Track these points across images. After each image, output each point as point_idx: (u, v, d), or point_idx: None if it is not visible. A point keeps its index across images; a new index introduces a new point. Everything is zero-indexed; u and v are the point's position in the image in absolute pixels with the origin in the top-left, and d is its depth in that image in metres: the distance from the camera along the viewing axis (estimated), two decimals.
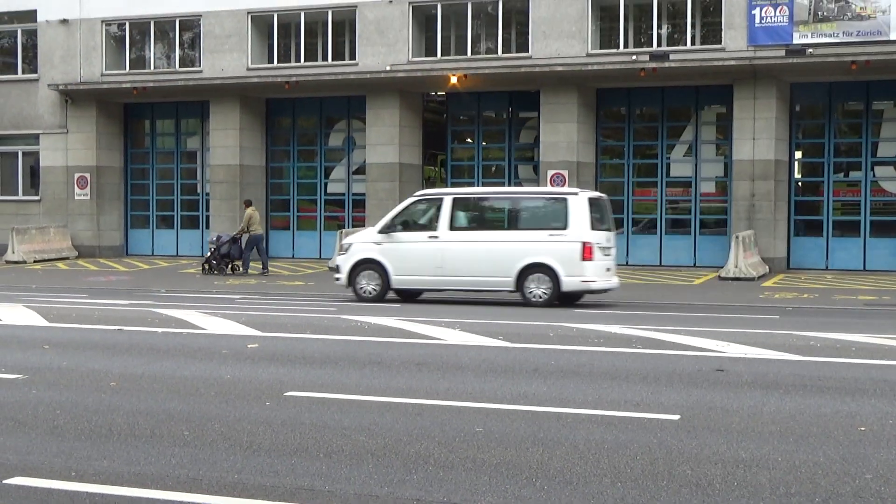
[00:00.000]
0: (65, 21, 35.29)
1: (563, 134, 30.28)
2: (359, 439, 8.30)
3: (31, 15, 35.93)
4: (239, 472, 7.35)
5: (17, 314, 17.54)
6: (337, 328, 15.67)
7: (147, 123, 36.82)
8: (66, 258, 34.39)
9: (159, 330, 15.37)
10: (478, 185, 32.48)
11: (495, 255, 20.39)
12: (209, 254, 29.02)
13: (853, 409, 9.54)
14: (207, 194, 34.77)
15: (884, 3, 27.62)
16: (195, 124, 36.06)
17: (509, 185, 32.35)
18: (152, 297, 22.25)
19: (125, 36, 35.34)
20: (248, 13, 33.51)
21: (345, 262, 21.40)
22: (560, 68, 29.55)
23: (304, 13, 33.22)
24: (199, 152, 35.92)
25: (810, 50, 27.85)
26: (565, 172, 30.18)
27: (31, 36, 36.27)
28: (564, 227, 20.09)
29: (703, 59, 28.72)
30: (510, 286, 20.35)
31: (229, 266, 28.64)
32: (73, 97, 35.09)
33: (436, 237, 20.81)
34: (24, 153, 36.38)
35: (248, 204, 29.80)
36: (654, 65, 28.56)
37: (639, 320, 17.36)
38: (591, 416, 9.23)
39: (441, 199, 21.07)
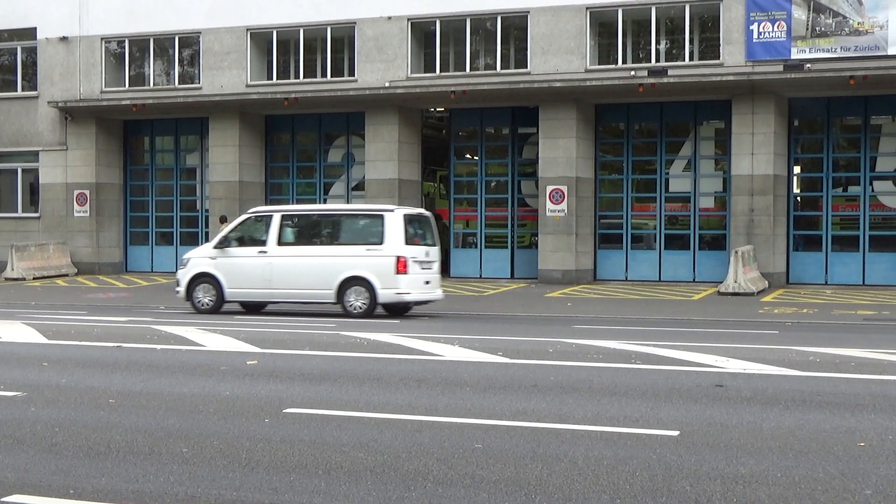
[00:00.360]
0: (64, 38, 35.37)
1: (561, 149, 30.32)
2: (358, 456, 8.29)
3: (30, 32, 36.02)
4: (237, 490, 7.33)
5: (16, 331, 17.53)
6: (336, 345, 15.65)
7: (146, 140, 36.87)
8: (66, 275, 34.39)
9: (158, 347, 15.36)
10: (480, 201, 32.56)
11: (318, 268, 21.60)
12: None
13: (853, 424, 9.52)
14: (207, 211, 34.79)
15: (881, 18, 27.69)
16: (194, 141, 36.11)
17: (512, 200, 32.40)
18: (151, 314, 22.23)
19: (125, 53, 35.42)
20: (248, 30, 33.59)
21: (183, 276, 22.68)
22: (559, 84, 29.60)
23: (303, 30, 33.30)
24: (198, 169, 35.96)
25: (808, 65, 27.90)
26: (564, 188, 30.21)
27: (31, 53, 36.36)
28: (381, 243, 21.38)
29: (702, 75, 28.78)
30: (332, 298, 21.55)
31: None
32: (72, 114, 35.14)
33: (265, 252, 22.00)
34: (23, 170, 36.41)
35: (223, 220, 30.16)
36: (652, 80, 28.61)
37: (638, 336, 17.35)
38: (591, 432, 9.22)
39: (271, 216, 22.35)
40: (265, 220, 22.36)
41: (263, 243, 22.07)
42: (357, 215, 23.00)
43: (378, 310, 21.71)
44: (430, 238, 22.39)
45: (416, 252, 21.59)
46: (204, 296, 22.31)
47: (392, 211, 21.88)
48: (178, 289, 22.82)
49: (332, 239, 22.39)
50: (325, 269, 21.52)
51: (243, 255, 22.18)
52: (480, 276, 32.33)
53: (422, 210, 24.19)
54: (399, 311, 22.17)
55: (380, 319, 20.86)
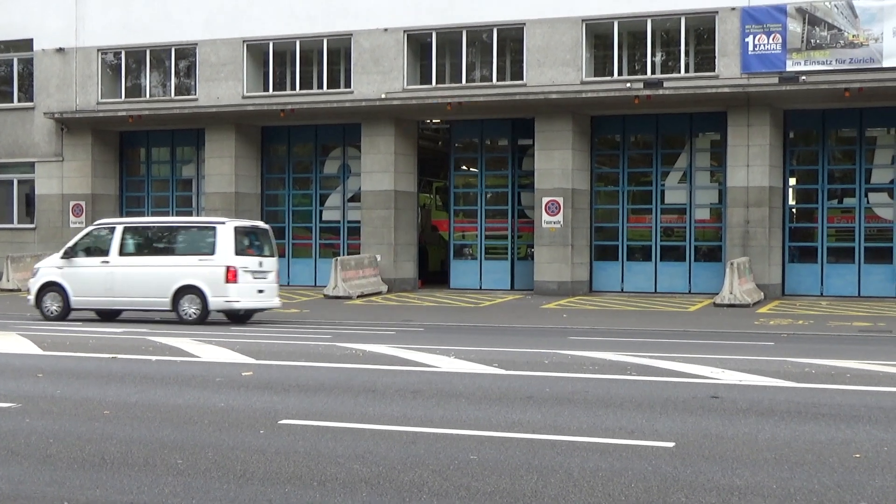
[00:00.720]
0: (61, 50, 35.40)
1: (557, 161, 30.35)
2: (353, 467, 8.27)
3: (27, 44, 36.05)
4: (232, 501, 7.31)
5: (12, 342, 17.49)
6: (331, 356, 15.63)
7: (142, 151, 36.89)
8: None
9: (153, 358, 15.33)
10: (480, 213, 32.55)
11: (155, 278, 22.73)
12: None
13: (848, 435, 9.51)
14: None
15: (876, 31, 27.77)
16: (190, 152, 36.12)
17: (512, 212, 32.42)
18: (147, 325, 22.20)
19: (121, 64, 35.44)
20: (244, 42, 33.63)
21: (33, 285, 23.73)
22: (555, 96, 29.65)
23: (300, 41, 33.35)
24: (194, 180, 35.96)
25: (804, 77, 27.97)
26: (560, 199, 30.24)
27: (28, 64, 36.38)
28: (212, 253, 22.54)
29: (697, 87, 28.83)
30: (167, 306, 22.73)
31: None
32: (68, 125, 35.16)
33: (107, 262, 23.12)
34: (19, 181, 36.41)
35: None
36: (648, 92, 28.66)
37: (633, 347, 17.34)
38: (586, 443, 9.20)
39: (114, 228, 23.50)
40: (109, 231, 23.44)
41: (106, 254, 23.17)
42: (191, 227, 24.22)
43: (220, 317, 23.30)
44: (268, 250, 23.65)
45: (248, 262, 22.77)
46: (51, 304, 23.37)
47: (223, 223, 23.12)
48: (28, 297, 23.93)
49: (169, 250, 23.46)
50: (161, 278, 22.64)
51: (88, 265, 23.30)
52: (480, 288, 32.31)
53: (258, 223, 25.58)
54: (240, 318, 23.45)
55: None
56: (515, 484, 7.76)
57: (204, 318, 22.49)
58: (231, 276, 22.30)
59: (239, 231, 22.97)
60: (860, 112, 29.36)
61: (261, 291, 23.02)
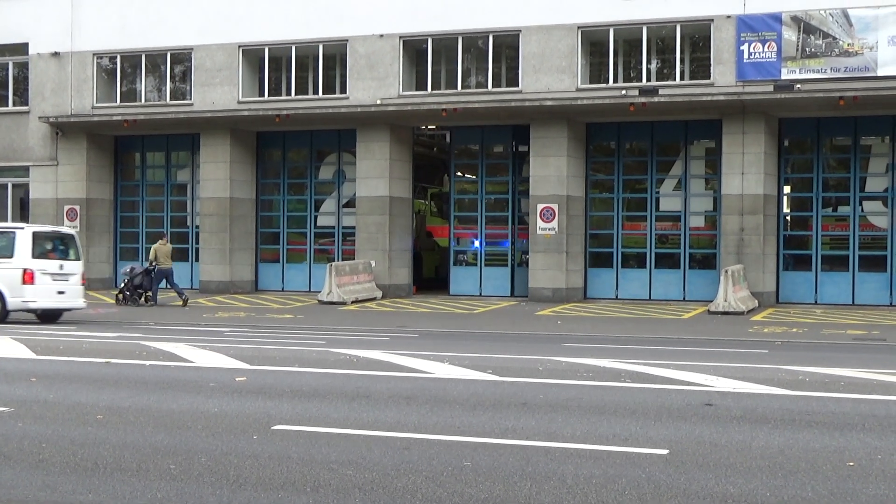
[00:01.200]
0: (56, 54, 35.38)
1: (552, 168, 30.38)
2: (346, 473, 8.26)
3: (22, 48, 36.02)
4: None
5: (5, 347, 17.46)
6: (325, 361, 15.62)
7: (137, 156, 36.85)
8: None
9: (147, 363, 15.31)
10: (480, 219, 32.47)
11: None
12: (122, 284, 30.27)
13: (842, 444, 9.52)
14: (197, 227, 34.75)
15: (871, 39, 27.82)
16: (185, 157, 36.09)
17: (512, 218, 32.40)
18: (141, 330, 22.18)
19: (116, 69, 35.41)
20: (240, 47, 33.63)
21: None
22: (550, 103, 29.68)
23: (296, 47, 33.35)
24: (189, 185, 35.94)
25: (798, 85, 28.01)
26: (555, 206, 30.26)
27: (23, 68, 36.35)
28: (11, 256, 23.79)
29: (693, 94, 28.86)
30: None
31: (142, 297, 30.09)
32: (63, 129, 35.12)
33: None
34: (13, 185, 36.35)
35: (158, 238, 31.18)
36: (643, 99, 28.69)
37: (628, 354, 17.34)
38: (580, 450, 9.20)
39: None
40: None
41: None
42: None
43: (29, 316, 24.70)
44: (73, 254, 24.91)
45: (47, 265, 24.10)
46: None
47: (22, 228, 24.49)
48: None
49: None
50: None
51: None
52: (480, 294, 32.26)
53: (63, 228, 27.22)
54: (49, 318, 24.86)
55: (376, 337, 20.86)
56: (509, 491, 7.75)
57: (3, 317, 23.64)
58: (28, 278, 23.66)
59: (39, 236, 24.45)
60: (855, 120, 29.42)
61: (61, 293, 24.28)
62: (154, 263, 29.98)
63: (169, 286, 30.40)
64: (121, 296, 29.94)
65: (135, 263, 32.16)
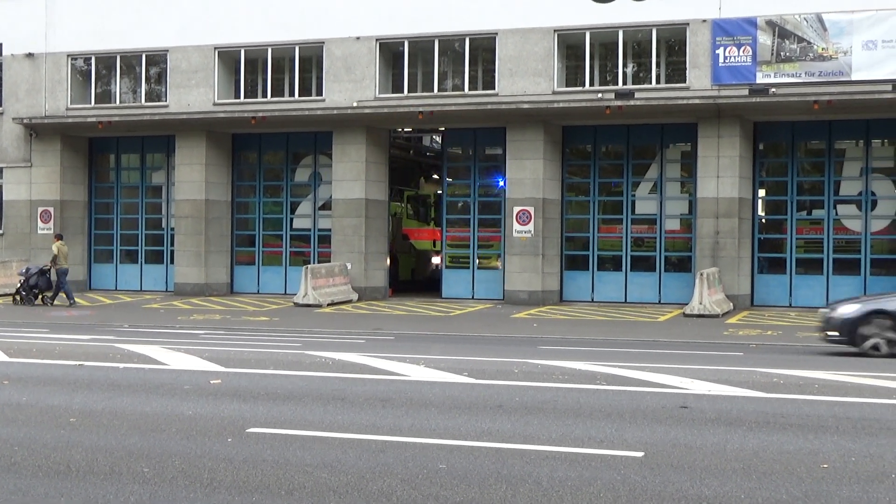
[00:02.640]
0: (30, 55, 35.16)
1: (529, 171, 30.40)
2: (321, 476, 8.23)
3: None
4: None
5: None
6: (300, 364, 15.58)
7: (112, 158, 36.65)
8: None
9: (121, 365, 15.23)
10: (473, 222, 32.33)
11: None
12: (19, 285, 30.35)
13: (816, 446, 9.56)
14: (172, 229, 34.61)
15: (845, 44, 27.98)
16: (161, 159, 35.93)
17: (503, 221, 32.33)
18: (115, 333, 22.06)
19: (91, 70, 35.23)
20: (215, 48, 33.51)
21: None
22: (526, 105, 29.71)
23: (272, 49, 33.26)
24: (164, 187, 35.78)
25: (773, 89, 28.14)
26: (531, 209, 30.29)
27: None
28: None
29: (668, 98, 28.95)
30: None
31: (38, 297, 30.20)
32: (37, 131, 34.90)
33: None
34: None
35: (57, 238, 31.08)
36: (619, 103, 28.76)
37: (603, 357, 17.36)
38: (555, 452, 9.20)
39: None
40: None
41: None
42: None
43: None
44: None
45: None
46: None
47: None
48: None
49: None
50: None
51: None
52: (473, 297, 32.15)
53: None
54: None
55: (349, 339, 20.82)
56: (485, 493, 7.74)
57: None
58: None
59: None
60: (829, 124, 29.57)
61: None
62: (52, 264, 30.02)
63: (59, 286, 30.34)
64: (17, 297, 30.00)
65: (31, 265, 31.76)
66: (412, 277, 36.98)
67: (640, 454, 9.13)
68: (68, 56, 35.05)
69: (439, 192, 36.96)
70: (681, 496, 7.68)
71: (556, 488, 7.88)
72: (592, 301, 31.06)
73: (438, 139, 41.99)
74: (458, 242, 32.87)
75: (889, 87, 27.12)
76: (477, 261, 32.48)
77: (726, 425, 10.55)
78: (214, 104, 33.41)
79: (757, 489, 7.91)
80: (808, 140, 30.61)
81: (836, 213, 29.75)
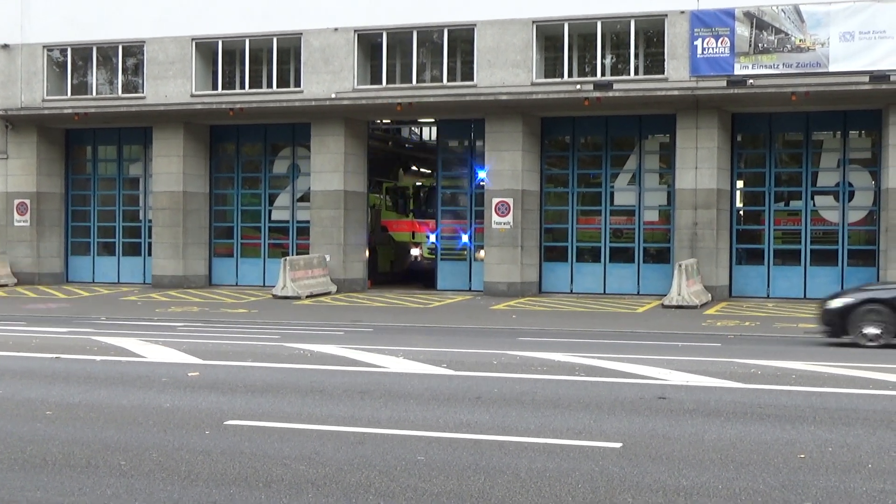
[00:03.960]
0: (6, 46, 34.91)
1: (507, 162, 30.40)
2: (299, 468, 8.21)
3: None
4: (176, 503, 7.23)
5: None
6: (279, 356, 15.54)
7: (89, 149, 36.47)
8: (5, 285, 33.87)
9: (98, 358, 15.15)
10: (470, 213, 32.22)
11: None
12: None
13: (793, 436, 9.59)
14: (150, 221, 34.46)
15: (823, 35, 28.07)
16: (138, 151, 35.76)
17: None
18: (92, 325, 21.95)
19: (67, 61, 35.02)
20: (193, 40, 33.35)
21: None
22: (505, 97, 29.69)
23: (249, 40, 33.12)
24: (141, 179, 35.62)
25: (751, 81, 28.21)
26: (510, 200, 30.29)
27: None
28: None
29: (647, 89, 28.99)
30: None
31: None
32: (13, 123, 34.67)
33: None
34: None
35: None
36: (598, 94, 28.78)
37: (582, 348, 17.39)
38: (534, 444, 9.21)
39: None
40: None
41: None
42: None
43: None
44: None
45: None
46: None
47: None
48: None
49: None
50: None
51: None
52: (470, 289, 32.06)
53: None
54: None
55: (328, 331, 20.78)
56: (463, 485, 7.74)
57: None
58: None
59: None
60: (807, 116, 29.68)
61: None
62: None
63: None
64: None
65: None
66: (391, 269, 36.95)
67: (618, 445, 9.14)
68: (44, 47, 34.82)
69: (418, 183, 36.95)
70: (658, 487, 7.70)
71: (534, 479, 7.88)
72: (571, 292, 31.10)
73: (417, 130, 42.08)
74: (453, 235, 32.80)
75: (866, 79, 27.24)
76: (479, 252, 32.29)
77: (704, 416, 10.58)
78: (192, 96, 33.25)
79: (734, 479, 7.93)
80: (785, 131, 30.72)
81: (814, 204, 29.87)
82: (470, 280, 32.25)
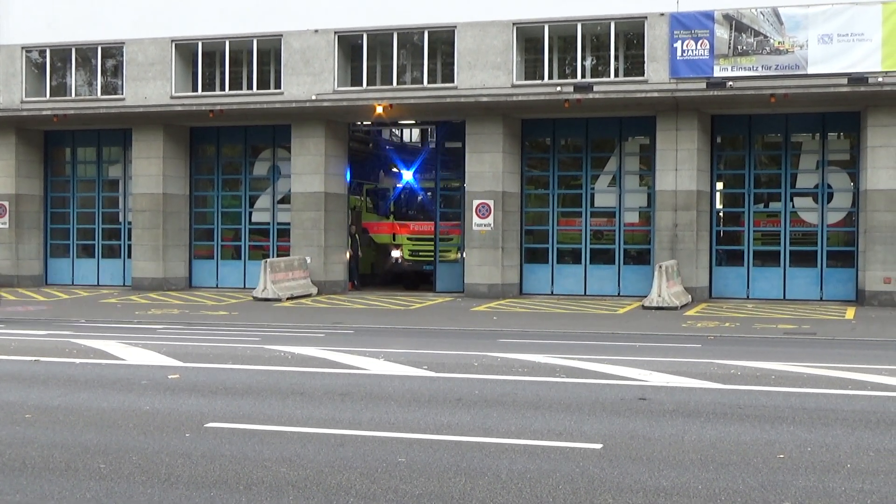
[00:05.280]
0: None
1: (488, 164, 30.43)
2: (280, 471, 8.20)
3: None
4: None
5: None
6: (259, 358, 15.51)
7: (68, 151, 36.31)
8: None
9: (77, 361, 15.09)
10: (462, 215, 32.18)
11: None
12: None
13: (772, 436, 9.63)
14: (129, 223, 34.33)
15: (801, 38, 28.20)
16: (117, 152, 35.63)
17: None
18: (72, 328, 21.86)
19: (46, 63, 34.86)
20: (172, 41, 33.26)
21: None
22: (485, 99, 29.71)
23: (229, 42, 33.05)
24: (121, 181, 35.48)
25: (730, 83, 28.32)
26: (490, 202, 30.32)
27: None
28: None
29: (627, 91, 29.05)
30: None
31: None
32: None
33: None
34: None
35: None
36: (578, 96, 28.83)
37: (562, 350, 17.41)
38: (515, 445, 9.22)
39: None
40: None
41: None
42: None
43: None
44: None
45: None
46: None
47: None
48: None
49: None
50: None
51: None
52: (463, 291, 32.01)
53: None
54: None
55: (309, 333, 20.75)
56: (444, 486, 7.74)
57: None
58: None
59: None
60: (786, 118, 29.82)
61: None
62: None
63: None
64: None
65: None
66: (372, 271, 36.92)
67: (598, 446, 9.16)
68: (23, 48, 34.66)
69: (399, 185, 36.93)
70: (639, 487, 7.72)
71: (514, 481, 7.89)
72: (552, 294, 31.14)
73: (398, 132, 42.08)
74: (452, 236, 32.85)
75: (844, 81, 27.38)
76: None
77: (684, 417, 10.61)
78: (172, 97, 33.16)
79: (714, 480, 7.96)
80: (764, 133, 30.85)
81: (793, 206, 30.00)
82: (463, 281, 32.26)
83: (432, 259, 33.39)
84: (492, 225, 30.40)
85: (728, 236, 30.84)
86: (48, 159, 36.04)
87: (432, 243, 33.18)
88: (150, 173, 33.22)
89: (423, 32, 31.61)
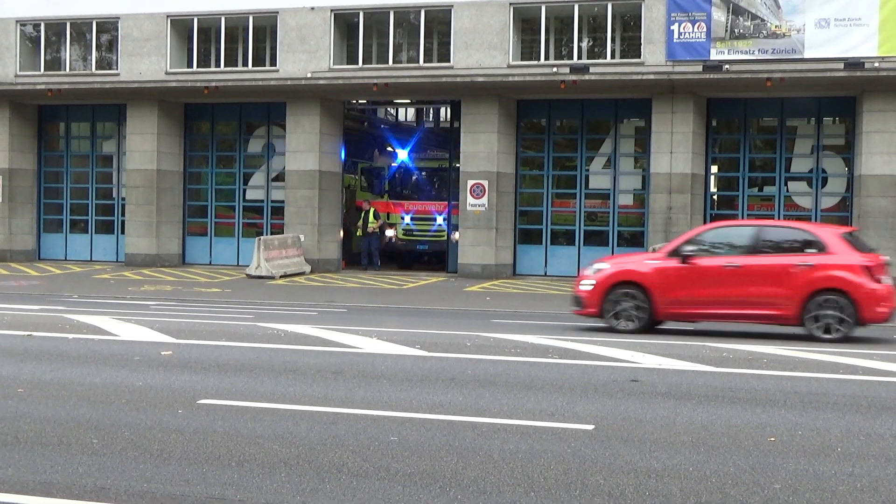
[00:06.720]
0: None
1: (483, 144, 30.39)
2: (272, 448, 8.21)
3: None
4: (148, 481, 7.22)
5: None
6: (253, 336, 15.51)
7: (62, 126, 36.21)
8: None
9: (70, 336, 15.09)
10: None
11: None
12: None
13: (763, 419, 9.67)
14: (123, 199, 34.27)
15: (798, 21, 28.17)
16: (112, 128, 35.53)
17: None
18: (64, 303, 21.85)
19: (40, 37, 34.72)
20: (168, 17, 33.13)
21: None
22: (481, 79, 29.66)
23: (225, 18, 32.93)
24: (115, 156, 35.40)
25: (727, 66, 28.29)
26: (485, 182, 30.31)
27: None
28: None
29: (623, 73, 29.02)
30: None
31: None
32: None
33: None
34: None
35: None
36: (574, 77, 28.79)
37: (555, 331, 17.45)
38: (507, 425, 9.24)
39: None
40: None
41: None
42: None
43: None
44: None
45: None
46: None
47: None
48: None
49: None
50: None
51: None
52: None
53: None
54: None
55: (301, 311, 20.76)
56: (436, 465, 7.76)
57: None
58: None
59: None
60: (781, 102, 29.80)
61: None
62: None
63: None
64: None
65: None
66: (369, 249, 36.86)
67: (590, 427, 9.19)
68: (17, 22, 34.51)
69: (393, 164, 36.88)
70: (630, 469, 7.75)
71: (506, 460, 7.92)
72: (545, 275, 31.17)
73: (393, 111, 42.01)
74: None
75: (841, 66, 27.36)
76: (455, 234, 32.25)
77: (676, 399, 10.65)
78: (167, 73, 33.06)
79: (705, 462, 7.99)
80: (760, 117, 30.84)
81: (787, 190, 30.03)
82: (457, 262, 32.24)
83: (426, 239, 33.39)
84: (486, 205, 30.39)
85: (722, 219, 30.78)
86: (42, 134, 35.93)
87: (427, 223, 33.14)
88: (145, 149, 33.14)
89: (419, 11, 31.52)
